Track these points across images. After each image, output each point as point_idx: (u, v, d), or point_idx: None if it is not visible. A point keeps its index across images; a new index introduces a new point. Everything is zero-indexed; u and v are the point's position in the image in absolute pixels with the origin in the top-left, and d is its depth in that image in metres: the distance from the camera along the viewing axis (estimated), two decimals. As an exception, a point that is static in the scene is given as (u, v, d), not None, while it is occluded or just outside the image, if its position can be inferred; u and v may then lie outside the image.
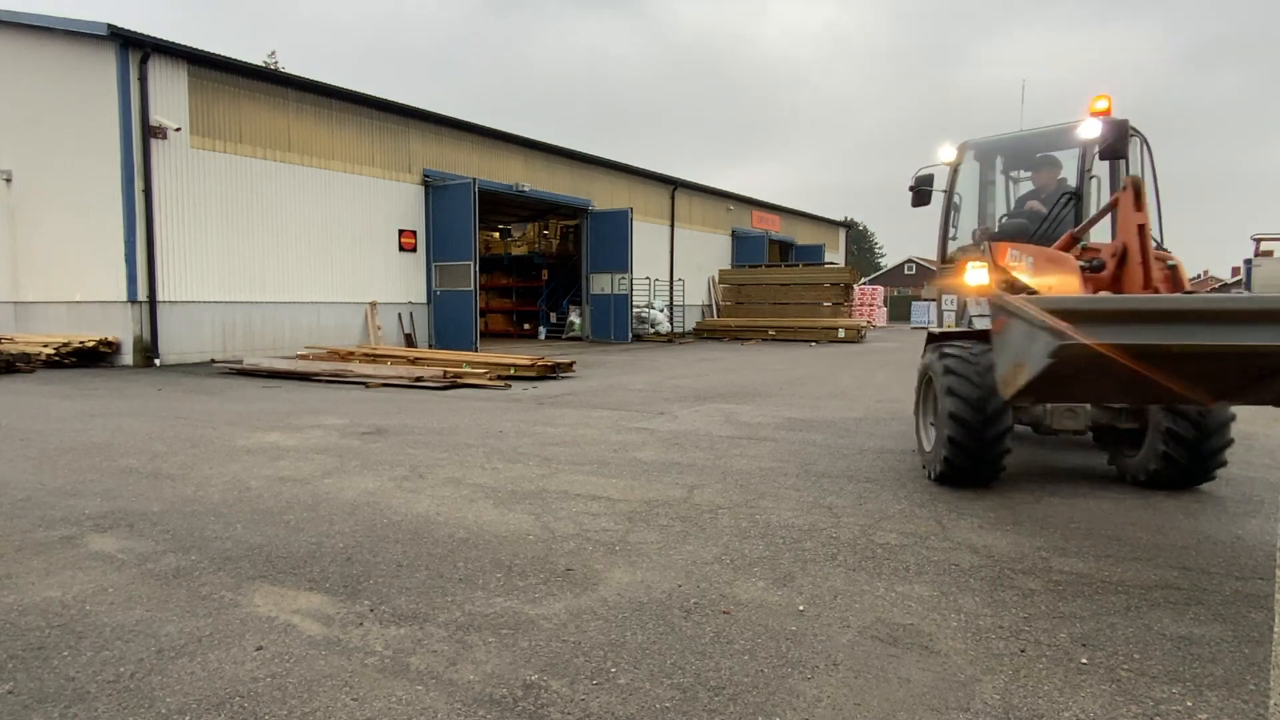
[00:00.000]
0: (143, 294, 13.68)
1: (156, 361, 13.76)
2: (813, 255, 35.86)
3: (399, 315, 18.34)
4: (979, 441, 4.70)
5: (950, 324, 7.03)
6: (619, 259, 23.35)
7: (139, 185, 13.52)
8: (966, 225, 6.96)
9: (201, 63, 14.51)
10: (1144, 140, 6.44)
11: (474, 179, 18.61)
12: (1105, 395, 4.35)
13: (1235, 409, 4.97)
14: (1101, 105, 6.27)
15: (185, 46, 14.15)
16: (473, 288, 18.46)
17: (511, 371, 12.10)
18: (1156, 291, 4.27)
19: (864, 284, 34.29)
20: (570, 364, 12.76)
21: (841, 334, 22.98)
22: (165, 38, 13.86)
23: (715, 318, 27.62)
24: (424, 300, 18.95)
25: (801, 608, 3.06)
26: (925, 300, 50.65)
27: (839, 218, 44.65)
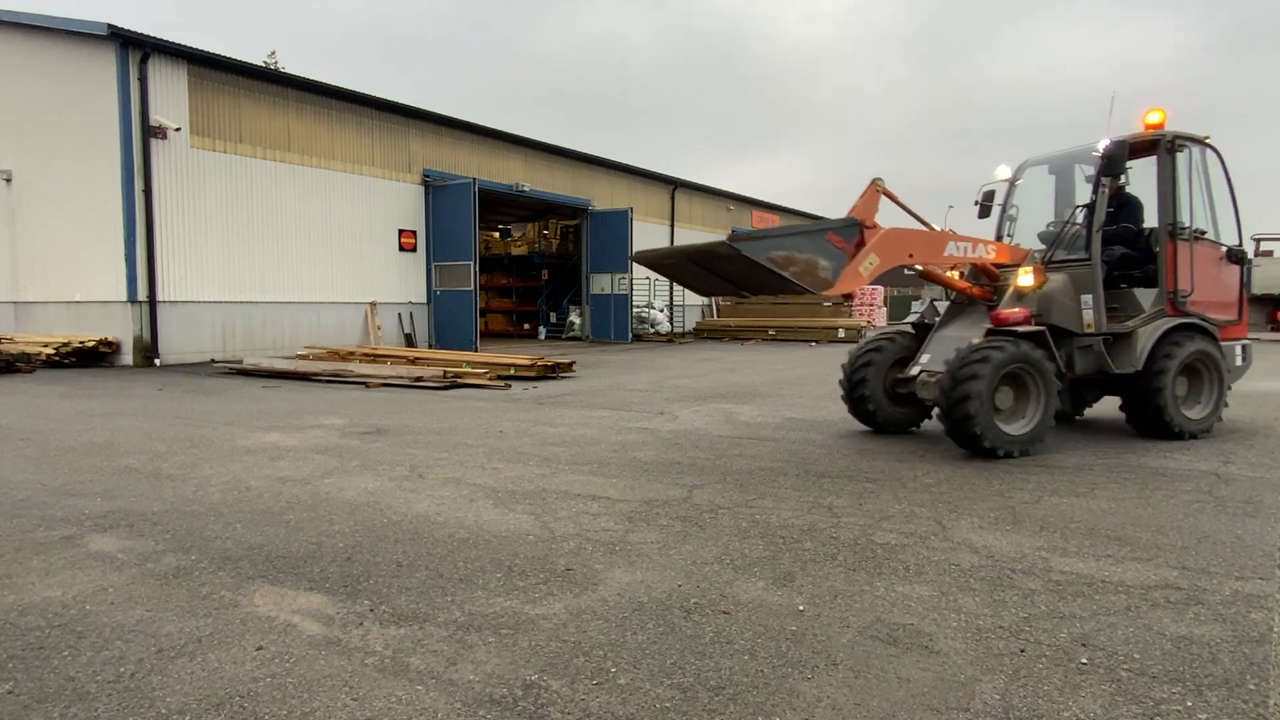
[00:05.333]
0: (143, 294, 13.69)
1: (156, 361, 13.77)
2: (813, 255, 35.77)
3: (399, 315, 18.34)
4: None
5: None
6: (619, 259, 23.34)
7: (139, 185, 13.53)
8: (1028, 232, 7.66)
9: (201, 62, 14.51)
10: (1210, 148, 7.01)
11: (474, 179, 18.61)
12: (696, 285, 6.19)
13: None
14: (1154, 119, 6.77)
15: (185, 46, 14.15)
16: (473, 288, 18.46)
17: (511, 371, 12.11)
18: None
19: (864, 284, 34.18)
20: (570, 364, 12.76)
21: (842, 334, 22.97)
22: (165, 37, 13.87)
23: (715, 318, 27.61)
24: (424, 300, 18.95)
25: (801, 608, 3.06)
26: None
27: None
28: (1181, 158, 6.79)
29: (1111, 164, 6.25)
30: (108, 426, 7.37)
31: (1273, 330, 29.75)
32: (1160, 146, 6.73)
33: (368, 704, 2.32)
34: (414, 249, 18.68)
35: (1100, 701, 2.35)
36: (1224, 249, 7.05)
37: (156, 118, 13.68)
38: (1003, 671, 2.54)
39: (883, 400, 7.02)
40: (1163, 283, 6.73)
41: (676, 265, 5.86)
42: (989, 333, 6.08)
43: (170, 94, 14.01)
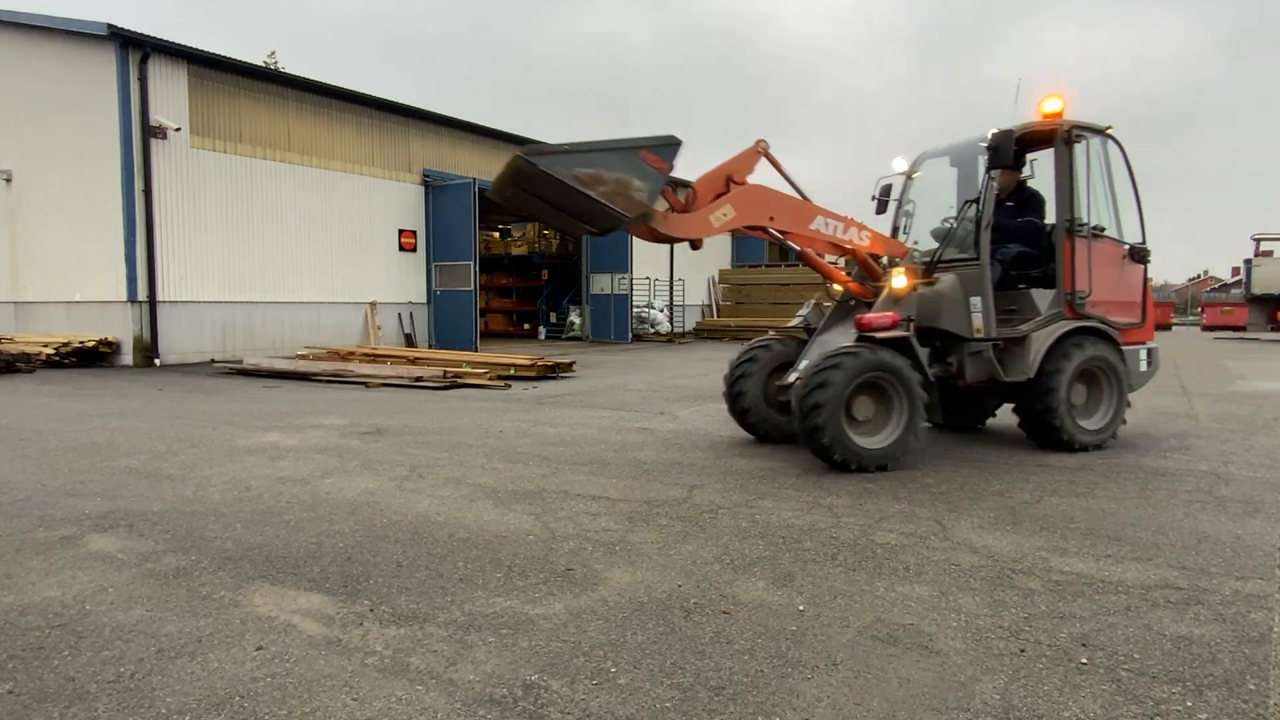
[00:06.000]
0: (143, 294, 13.69)
1: (156, 361, 13.77)
2: (813, 255, 35.76)
3: (399, 315, 18.34)
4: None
5: None
6: (619, 259, 23.33)
7: (139, 185, 13.52)
8: (923, 229, 7.10)
9: (201, 62, 14.51)
10: (1112, 139, 6.51)
11: (474, 179, 18.60)
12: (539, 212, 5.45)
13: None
14: (1053, 106, 6.28)
15: (185, 46, 14.15)
16: (473, 288, 18.46)
17: (511, 371, 12.11)
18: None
19: (864, 284, 34.17)
20: (570, 364, 12.76)
21: (841, 334, 22.95)
22: (165, 37, 13.87)
23: (715, 318, 27.61)
24: (424, 300, 18.95)
25: (801, 608, 3.06)
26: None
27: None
28: (1080, 149, 6.32)
29: (997, 155, 5.78)
30: (108, 426, 7.37)
31: (1273, 330, 29.77)
32: (1057, 137, 6.26)
33: (368, 704, 2.32)
34: (414, 249, 18.67)
35: (1100, 701, 2.35)
36: (1126, 247, 6.59)
37: (156, 118, 13.68)
38: (1003, 671, 2.54)
39: (763, 408, 6.60)
40: (1060, 283, 6.24)
41: (516, 196, 5.27)
42: (859, 339, 5.66)
43: (170, 94, 14.01)
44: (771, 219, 5.74)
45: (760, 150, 5.86)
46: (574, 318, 25.21)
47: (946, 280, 6.08)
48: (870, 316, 5.67)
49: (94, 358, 13.56)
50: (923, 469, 5.56)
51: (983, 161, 6.46)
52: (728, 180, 5.68)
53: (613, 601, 3.12)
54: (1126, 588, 3.26)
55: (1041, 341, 6.06)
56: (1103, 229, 6.45)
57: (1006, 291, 6.40)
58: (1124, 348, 6.41)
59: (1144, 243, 6.67)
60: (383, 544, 3.84)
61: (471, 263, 18.42)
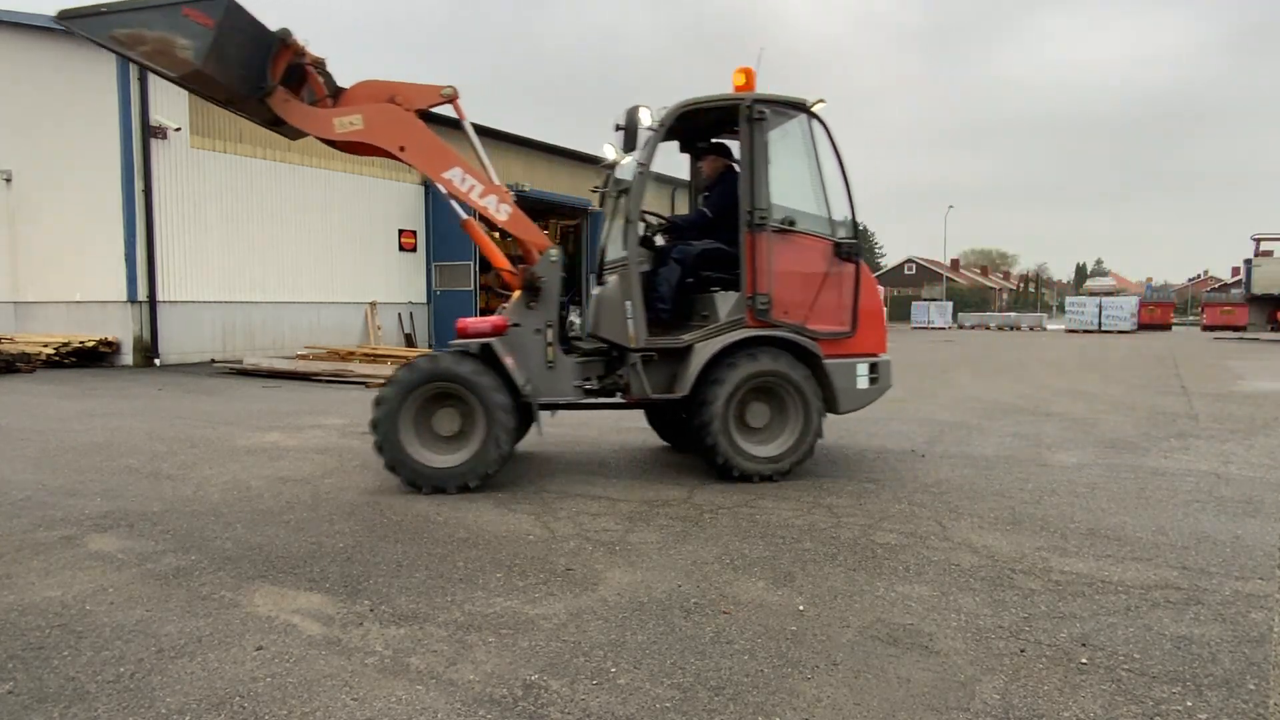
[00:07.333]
0: (143, 294, 13.68)
1: (156, 361, 13.76)
2: (813, 255, 35.72)
3: (399, 315, 18.34)
4: None
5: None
6: (619, 259, 23.32)
7: (139, 185, 13.52)
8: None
9: (201, 63, 14.49)
10: (814, 117, 5.52)
11: (474, 179, 18.59)
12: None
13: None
14: (741, 80, 5.44)
15: (185, 46, 14.14)
16: (473, 288, 18.46)
17: (511, 371, 12.09)
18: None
19: (864, 284, 34.11)
20: (570, 364, 12.73)
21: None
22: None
23: (715, 318, 27.54)
24: (424, 300, 18.95)
25: (801, 608, 3.07)
26: (925, 300, 50.78)
27: None
28: (770, 129, 5.37)
29: (627, 138, 5.14)
30: (108, 426, 7.37)
31: (1273, 330, 29.78)
32: (740, 114, 5.29)
33: (368, 704, 2.33)
34: (414, 249, 18.68)
35: (1100, 701, 2.35)
36: (831, 243, 5.46)
37: (156, 118, 13.68)
38: (1003, 671, 2.54)
39: None
40: (742, 285, 5.29)
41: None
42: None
43: (170, 94, 13.98)
44: (403, 149, 5.17)
45: (444, 95, 5.25)
46: (574, 318, 25.19)
47: (610, 283, 5.50)
48: (470, 321, 5.15)
49: (94, 358, 13.56)
50: (923, 469, 5.57)
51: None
52: (389, 99, 5.19)
53: (613, 601, 3.12)
54: (1126, 588, 3.26)
55: (704, 354, 5.19)
56: (793, 222, 5.45)
57: (700, 295, 5.64)
58: (830, 362, 5.35)
59: (855, 238, 5.58)
60: (383, 544, 3.84)
61: (471, 263, 18.40)
